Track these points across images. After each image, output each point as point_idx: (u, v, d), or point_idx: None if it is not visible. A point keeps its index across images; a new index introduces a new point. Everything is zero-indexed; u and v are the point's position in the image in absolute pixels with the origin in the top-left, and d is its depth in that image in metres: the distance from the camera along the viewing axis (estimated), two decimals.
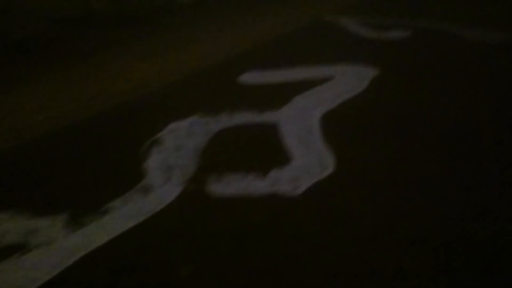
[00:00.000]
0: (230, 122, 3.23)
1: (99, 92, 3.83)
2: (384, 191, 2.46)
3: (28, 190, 2.50)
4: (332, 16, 6.49)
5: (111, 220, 2.22)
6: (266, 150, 2.87)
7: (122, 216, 2.25)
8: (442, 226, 2.21)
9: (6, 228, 2.17)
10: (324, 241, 2.10)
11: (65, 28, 5.29)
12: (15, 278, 1.91)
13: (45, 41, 4.86)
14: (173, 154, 2.77)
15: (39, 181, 2.57)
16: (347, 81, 4.08)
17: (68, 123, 3.26)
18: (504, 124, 3.31)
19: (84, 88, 3.92)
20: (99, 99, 3.69)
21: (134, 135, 3.03)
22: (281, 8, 7.11)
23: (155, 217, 2.26)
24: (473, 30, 5.86)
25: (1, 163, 2.79)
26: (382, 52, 4.97)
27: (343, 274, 1.93)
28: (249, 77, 4.17)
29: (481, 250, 2.06)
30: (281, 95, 3.76)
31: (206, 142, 2.92)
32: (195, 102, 3.60)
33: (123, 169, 2.65)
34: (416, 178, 2.59)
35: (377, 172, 2.64)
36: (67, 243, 2.08)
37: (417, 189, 2.49)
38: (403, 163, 2.75)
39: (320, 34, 5.74)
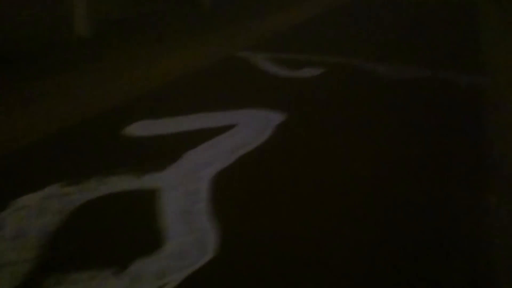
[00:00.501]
0: (98, 191, 2.65)
1: None
2: (274, 280, 1.98)
3: None
4: (245, 52, 6.12)
5: None
6: (133, 232, 2.31)
7: None
8: None
9: None
10: None
11: None
12: None
13: None
14: (9, 245, 2.15)
15: None
16: (249, 129, 3.64)
17: None
18: (420, 168, 2.98)
19: None
20: None
21: None
22: (192, 43, 6.66)
23: None
24: (387, 66, 5.69)
25: None
26: (292, 93, 4.61)
27: None
28: (138, 129, 3.61)
29: None
30: (171, 150, 3.24)
31: (57, 223, 2.33)
32: (59, 165, 2.99)
33: None
34: (316, 261, 2.13)
35: (267, 255, 2.17)
36: None
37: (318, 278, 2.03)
38: (300, 242, 2.29)
39: (229, 73, 5.32)
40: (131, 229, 2.33)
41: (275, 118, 3.89)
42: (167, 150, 3.23)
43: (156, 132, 3.57)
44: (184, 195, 2.66)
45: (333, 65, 5.66)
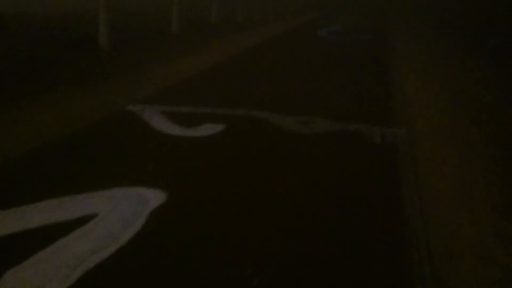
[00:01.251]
0: None
1: None
2: None
3: None
4: (138, 106, 5.33)
5: None
6: None
7: None
8: None
9: None
10: None
11: None
12: None
13: None
14: None
15: None
16: (112, 221, 2.82)
17: None
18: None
19: None
20: None
21: None
22: (78, 94, 5.78)
23: None
24: (295, 119, 5.13)
25: None
26: (181, 160, 3.86)
27: None
28: None
29: None
30: None
31: None
32: None
33: None
34: None
35: None
36: None
37: None
38: None
39: (111, 135, 4.49)
40: None
41: (151, 200, 3.11)
42: None
43: None
44: None
45: (237, 120, 5.00)
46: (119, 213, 2.91)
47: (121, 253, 2.51)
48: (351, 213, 3.08)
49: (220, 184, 3.43)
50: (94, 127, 4.64)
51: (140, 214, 2.92)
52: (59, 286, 2.21)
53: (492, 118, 5.47)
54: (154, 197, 3.14)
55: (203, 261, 2.47)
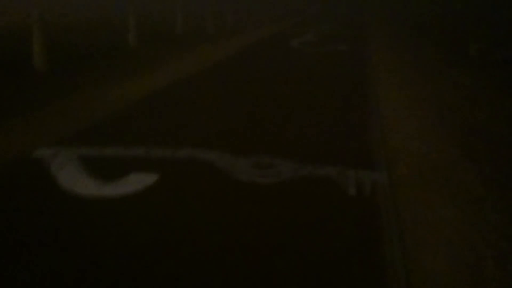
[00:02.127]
0: None
1: None
2: None
3: None
4: (50, 149, 4.24)
5: None
6: None
7: None
8: None
9: None
10: None
11: None
12: None
13: None
14: None
15: None
16: None
17: None
18: None
19: None
20: None
21: None
22: None
23: None
24: (249, 161, 4.11)
25: None
26: (81, 246, 2.79)
27: None
28: None
29: None
30: None
31: None
32: None
33: None
34: None
35: None
36: None
37: None
38: None
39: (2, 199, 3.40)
40: None
41: None
42: None
43: None
44: None
45: (175, 165, 3.95)
46: None
47: None
48: None
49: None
50: None
51: None
52: None
53: (490, 147, 4.53)
54: None
55: None
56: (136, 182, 3.60)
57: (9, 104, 5.76)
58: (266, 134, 4.90)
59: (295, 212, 3.19)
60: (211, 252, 2.67)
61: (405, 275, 2.53)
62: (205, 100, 6.32)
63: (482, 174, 3.94)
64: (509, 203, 3.44)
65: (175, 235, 2.85)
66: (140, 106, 5.95)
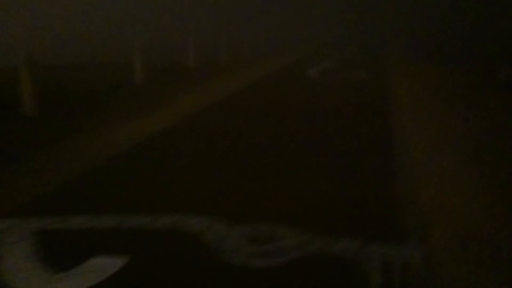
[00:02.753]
0: None
1: None
2: None
3: None
4: (6, 220, 3.49)
5: None
6: None
7: None
8: None
9: None
10: None
11: None
12: None
13: None
14: None
15: None
16: None
17: None
18: None
19: None
20: None
21: None
22: None
23: None
24: (245, 230, 3.29)
25: None
26: None
27: None
28: None
29: None
30: None
31: None
32: None
33: None
34: None
35: None
36: None
37: None
38: None
39: None
40: None
41: None
42: None
43: None
44: None
45: (152, 240, 3.16)
46: None
47: None
48: None
49: None
50: None
51: None
52: None
53: None
54: None
55: None
56: (96, 270, 2.81)
57: None
58: (270, 189, 4.09)
59: None
60: None
61: None
62: (213, 149, 5.57)
63: None
64: None
65: None
66: (133, 154, 5.24)
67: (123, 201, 3.83)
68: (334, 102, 8.58)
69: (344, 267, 2.79)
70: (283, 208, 3.68)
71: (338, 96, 9.20)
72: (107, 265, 2.86)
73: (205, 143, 5.70)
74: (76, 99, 8.29)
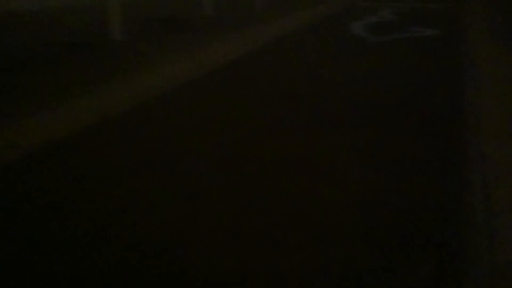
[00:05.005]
0: None
1: None
2: None
3: None
4: None
5: None
6: None
7: None
8: None
9: None
10: None
11: None
12: None
13: None
14: None
15: None
16: None
17: None
18: None
19: None
20: None
21: None
22: None
23: None
24: None
25: None
26: None
27: None
28: None
29: None
30: None
31: None
32: None
33: None
34: None
35: None
36: None
37: None
38: None
39: None
40: None
41: None
42: None
43: None
44: None
45: None
46: None
47: None
48: None
49: None
50: None
51: None
52: None
53: None
54: None
55: None
56: None
57: None
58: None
59: None
60: None
61: None
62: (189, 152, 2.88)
63: None
64: None
65: None
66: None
67: None
68: (389, 75, 5.60)
69: None
70: None
71: (397, 65, 6.16)
72: None
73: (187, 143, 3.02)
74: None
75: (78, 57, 6.35)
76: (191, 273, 2.10)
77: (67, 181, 3.04)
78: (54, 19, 10.31)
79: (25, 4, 12.29)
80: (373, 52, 7.25)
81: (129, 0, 13.24)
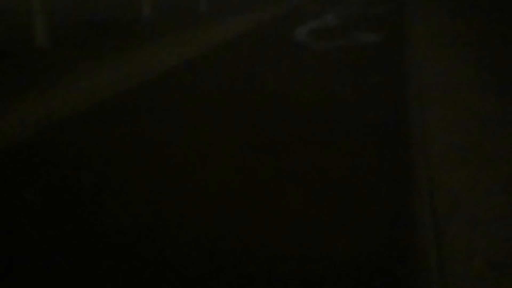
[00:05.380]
0: None
1: None
2: None
3: None
4: None
5: None
6: None
7: None
8: None
9: None
10: None
11: None
12: None
13: None
14: None
15: None
16: None
17: None
18: None
19: None
20: None
21: None
22: None
23: None
24: None
25: None
26: None
27: None
28: None
29: None
30: None
31: None
32: None
33: None
34: None
35: None
36: None
37: None
38: None
39: None
40: None
41: None
42: None
43: None
44: None
45: None
46: None
47: None
48: None
49: None
50: None
51: None
52: None
53: None
54: None
55: None
56: None
57: None
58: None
59: None
60: None
61: None
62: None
63: None
64: None
65: None
66: None
67: None
68: (332, 86, 5.33)
69: None
70: None
71: (339, 73, 5.91)
72: None
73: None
74: None
75: None
76: None
77: None
78: None
79: None
80: (317, 59, 6.99)
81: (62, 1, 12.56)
